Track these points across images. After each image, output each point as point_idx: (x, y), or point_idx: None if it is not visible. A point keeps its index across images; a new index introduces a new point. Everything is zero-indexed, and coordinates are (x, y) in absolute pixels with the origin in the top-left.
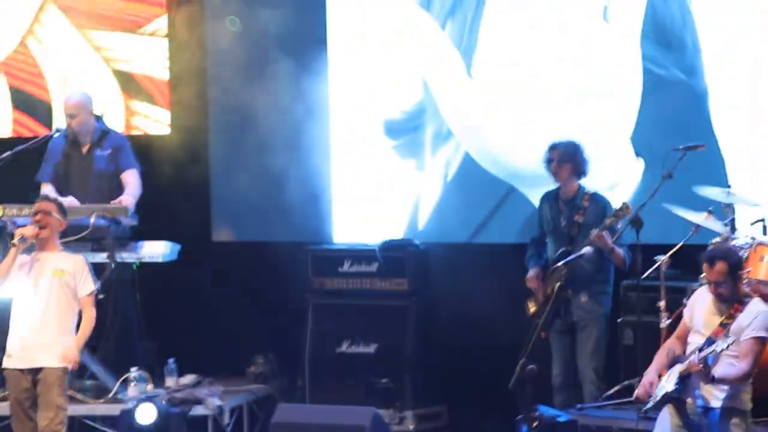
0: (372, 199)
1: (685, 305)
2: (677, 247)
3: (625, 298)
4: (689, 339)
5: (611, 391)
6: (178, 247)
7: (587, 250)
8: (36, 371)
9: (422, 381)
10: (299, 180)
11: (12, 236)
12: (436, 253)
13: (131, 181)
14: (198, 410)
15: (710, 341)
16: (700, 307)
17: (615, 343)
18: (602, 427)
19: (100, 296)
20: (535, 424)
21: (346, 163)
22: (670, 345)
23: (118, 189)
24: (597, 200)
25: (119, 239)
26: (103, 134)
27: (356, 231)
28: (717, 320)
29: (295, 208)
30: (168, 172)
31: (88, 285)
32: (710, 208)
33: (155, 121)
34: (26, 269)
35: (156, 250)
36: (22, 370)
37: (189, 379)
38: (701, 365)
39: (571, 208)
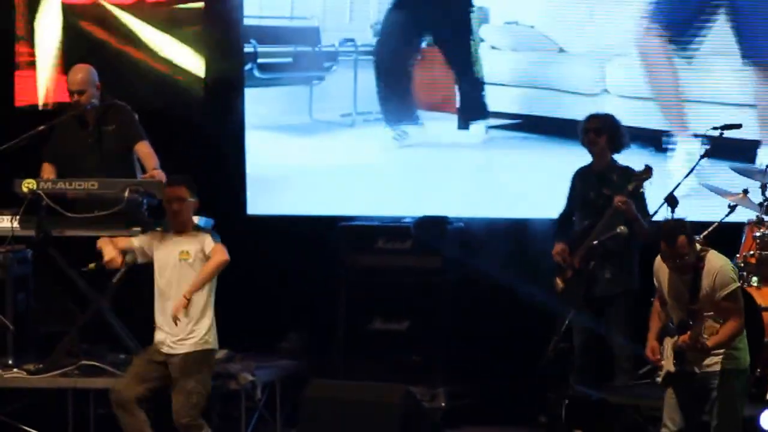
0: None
1: None
2: (713, 226)
3: None
4: (667, 309)
5: (644, 370)
6: (211, 221)
7: (622, 229)
8: None
9: (454, 358)
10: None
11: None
12: (471, 230)
13: (148, 153)
14: (230, 385)
15: (692, 313)
16: (663, 278)
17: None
18: (634, 405)
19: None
20: (566, 402)
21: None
22: (658, 309)
23: (129, 163)
24: (627, 174)
25: (153, 214)
26: (108, 108)
27: (390, 205)
28: (683, 289)
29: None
30: (202, 144)
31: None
32: (746, 188)
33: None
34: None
35: None
36: None
37: (221, 354)
38: (693, 342)
39: (601, 181)
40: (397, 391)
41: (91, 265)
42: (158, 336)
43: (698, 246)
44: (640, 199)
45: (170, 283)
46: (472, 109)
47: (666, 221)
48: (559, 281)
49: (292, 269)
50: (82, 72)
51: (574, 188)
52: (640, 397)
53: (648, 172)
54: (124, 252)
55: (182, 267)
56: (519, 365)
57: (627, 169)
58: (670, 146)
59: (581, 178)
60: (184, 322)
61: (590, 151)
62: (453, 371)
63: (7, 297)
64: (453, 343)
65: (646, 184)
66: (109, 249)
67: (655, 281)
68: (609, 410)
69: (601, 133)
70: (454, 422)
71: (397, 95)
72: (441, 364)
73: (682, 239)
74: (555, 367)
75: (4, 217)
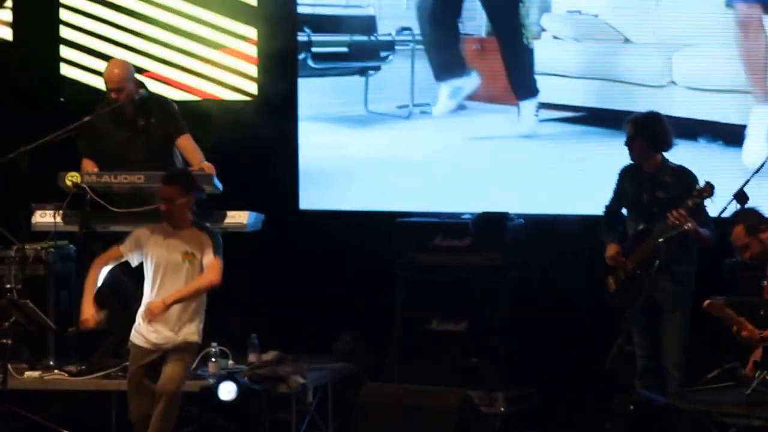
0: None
1: None
2: None
3: (729, 277)
4: None
5: (712, 375)
6: (262, 216)
7: (690, 226)
8: None
9: (513, 361)
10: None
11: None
12: (532, 227)
13: (191, 146)
14: (280, 389)
15: None
16: None
17: (716, 324)
18: (702, 411)
19: None
20: (630, 408)
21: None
22: None
23: (170, 157)
24: (682, 175)
25: (202, 209)
26: (148, 101)
27: (448, 201)
28: None
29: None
30: (253, 136)
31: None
32: None
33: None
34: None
35: (240, 220)
36: None
37: (271, 355)
38: None
39: (654, 184)
40: (455, 395)
41: (71, 329)
42: (146, 329)
43: None
44: (699, 211)
45: (171, 281)
46: (523, 89)
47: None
48: (611, 282)
49: (345, 267)
50: (118, 68)
51: (621, 185)
52: (709, 402)
53: (708, 190)
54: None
55: (184, 267)
56: (582, 369)
57: (681, 169)
58: (742, 139)
59: (631, 177)
60: (173, 324)
61: (630, 157)
62: (513, 375)
63: (49, 295)
64: (513, 346)
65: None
66: (86, 307)
67: None
68: (676, 416)
69: (634, 139)
70: (514, 428)
71: (446, 47)
72: (500, 367)
73: (738, 230)
74: (619, 372)
75: (47, 212)
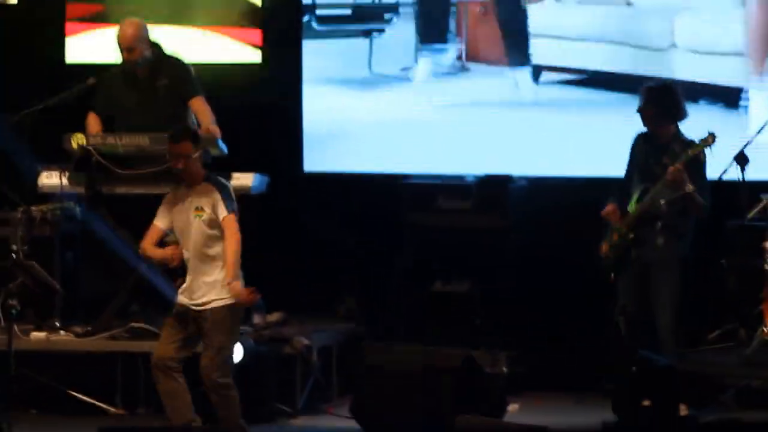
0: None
1: None
2: None
3: (729, 239)
4: None
5: (713, 335)
6: (267, 179)
7: (690, 187)
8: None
9: (517, 322)
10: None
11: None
12: (536, 189)
13: (203, 108)
14: (285, 350)
15: None
16: None
17: (717, 286)
18: (702, 372)
19: None
20: (632, 369)
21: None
22: None
23: (184, 119)
24: (689, 145)
25: (207, 171)
26: (162, 62)
27: (452, 162)
28: None
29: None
30: (258, 99)
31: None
32: None
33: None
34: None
35: (245, 183)
36: None
37: (276, 316)
38: None
39: (663, 151)
40: (457, 356)
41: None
42: (183, 295)
43: None
44: (699, 169)
45: (186, 241)
46: (517, 56)
47: None
48: (604, 246)
49: (349, 229)
50: (131, 27)
51: (634, 151)
52: (708, 363)
53: (711, 138)
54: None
55: (195, 223)
56: (584, 330)
57: (691, 142)
58: (743, 102)
59: (643, 144)
60: (209, 286)
61: (644, 124)
62: (516, 335)
63: (55, 256)
64: (516, 306)
65: (708, 151)
66: (158, 252)
67: None
68: (676, 377)
69: (647, 107)
70: (517, 388)
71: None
72: (503, 327)
73: None
74: (621, 332)
75: (53, 173)
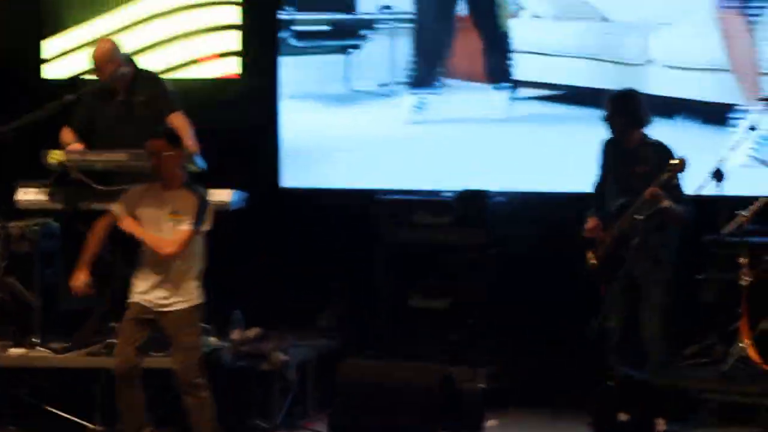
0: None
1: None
2: (761, 201)
3: (706, 254)
4: None
5: (690, 350)
6: (245, 195)
7: (667, 203)
8: None
9: (495, 338)
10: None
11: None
12: (513, 204)
13: (181, 124)
14: (263, 365)
15: None
16: None
17: (693, 301)
18: (679, 387)
19: None
20: (609, 384)
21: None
22: None
23: None
24: (660, 150)
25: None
26: (139, 79)
27: (429, 178)
28: None
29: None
30: (235, 114)
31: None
32: None
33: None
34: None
35: (223, 198)
36: None
37: (254, 332)
38: None
39: (634, 159)
40: (435, 372)
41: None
42: (144, 295)
43: None
44: (674, 187)
45: None
46: (500, 80)
47: None
48: (590, 256)
49: (327, 244)
50: (99, 48)
51: (605, 158)
52: (686, 378)
53: (681, 164)
54: None
55: (168, 226)
56: (563, 345)
57: (660, 145)
58: (722, 118)
59: (613, 150)
60: (172, 287)
61: (611, 133)
62: (494, 351)
63: (35, 272)
64: (494, 322)
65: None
66: (77, 274)
67: None
68: (653, 392)
69: (613, 116)
70: (496, 403)
71: (429, 63)
72: (482, 343)
73: None
74: (599, 347)
75: (32, 190)
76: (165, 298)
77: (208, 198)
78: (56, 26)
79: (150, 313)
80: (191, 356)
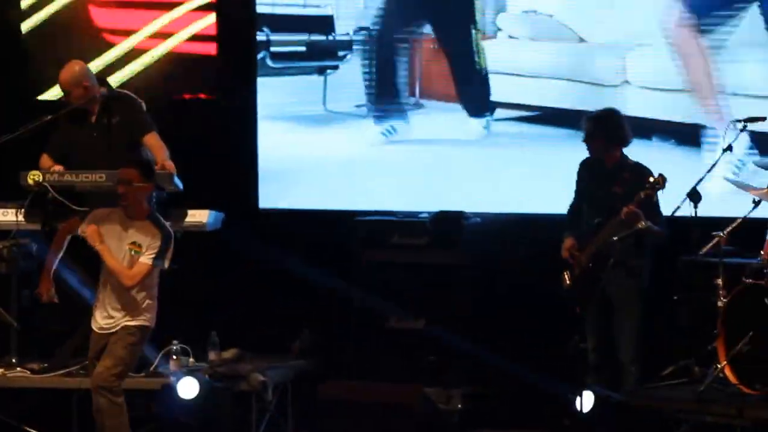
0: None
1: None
2: (736, 222)
3: (682, 275)
4: None
5: (667, 371)
6: (222, 215)
7: (643, 224)
8: None
9: (472, 358)
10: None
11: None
12: (490, 226)
13: (157, 144)
14: (240, 386)
15: None
16: None
17: (670, 322)
18: (656, 408)
19: None
20: (587, 405)
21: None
22: None
23: (139, 156)
24: (638, 172)
25: (162, 207)
26: (112, 99)
27: (406, 200)
28: None
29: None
30: (212, 135)
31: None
32: None
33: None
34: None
35: (200, 219)
36: None
37: (231, 353)
38: None
39: (611, 179)
40: (412, 392)
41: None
42: (99, 323)
43: None
44: (652, 205)
45: None
46: (473, 103)
47: None
48: (566, 277)
49: (304, 266)
50: (66, 71)
51: (581, 180)
52: (662, 399)
53: (661, 181)
54: None
55: (128, 257)
56: (540, 366)
57: (638, 166)
58: (696, 139)
59: (589, 171)
60: (123, 311)
61: (590, 153)
62: (471, 371)
63: (12, 293)
64: (470, 343)
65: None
66: (43, 280)
67: None
68: (630, 413)
69: (593, 136)
70: (472, 424)
71: (387, 89)
72: (458, 364)
73: None
74: (576, 368)
75: (9, 210)
76: (115, 320)
77: (171, 233)
78: None
79: (105, 338)
80: (114, 366)
